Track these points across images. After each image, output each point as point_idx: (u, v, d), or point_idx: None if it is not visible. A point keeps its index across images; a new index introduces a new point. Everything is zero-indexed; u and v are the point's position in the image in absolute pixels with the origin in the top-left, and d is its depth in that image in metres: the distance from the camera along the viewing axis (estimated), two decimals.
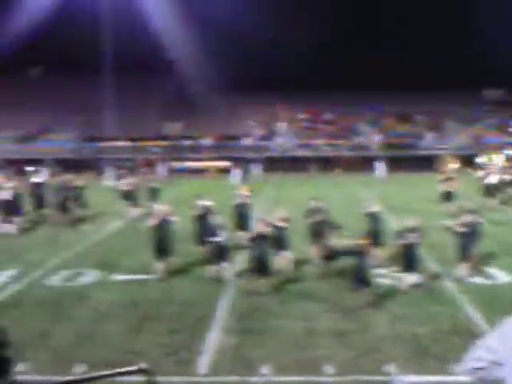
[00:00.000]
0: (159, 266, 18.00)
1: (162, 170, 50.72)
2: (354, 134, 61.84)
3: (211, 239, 17.71)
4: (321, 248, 18.15)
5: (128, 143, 58.84)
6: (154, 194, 30.60)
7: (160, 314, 14.93)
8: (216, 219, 18.19)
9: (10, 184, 27.70)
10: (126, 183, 30.30)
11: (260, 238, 16.33)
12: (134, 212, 28.97)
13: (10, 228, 25.89)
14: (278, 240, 17.60)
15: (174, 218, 18.77)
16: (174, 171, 52.23)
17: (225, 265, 17.58)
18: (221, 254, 17.47)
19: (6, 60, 60.10)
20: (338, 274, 17.71)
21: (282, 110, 63.95)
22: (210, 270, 17.87)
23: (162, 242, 17.85)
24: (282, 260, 17.91)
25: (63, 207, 28.04)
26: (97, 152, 57.99)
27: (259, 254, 16.22)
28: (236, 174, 47.68)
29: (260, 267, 16.23)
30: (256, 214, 24.30)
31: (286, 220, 18.22)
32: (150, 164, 52.71)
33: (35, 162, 49.37)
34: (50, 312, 15.20)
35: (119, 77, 60.09)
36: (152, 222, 18.09)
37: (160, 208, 19.23)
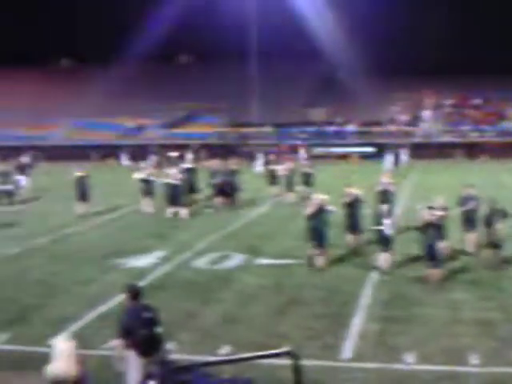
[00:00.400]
0: (311, 252, 18.00)
1: (304, 155, 50.74)
2: (502, 119, 59.32)
3: (374, 227, 17.71)
4: (487, 235, 17.56)
5: (273, 129, 59.34)
6: (307, 179, 30.27)
7: (305, 299, 15.08)
8: (381, 208, 17.96)
9: (174, 170, 28.25)
10: (278, 168, 30.59)
11: (429, 227, 16.08)
12: (287, 197, 29.34)
13: (183, 213, 26.29)
14: (438, 229, 17.18)
15: (331, 208, 18.54)
16: (316, 157, 52.06)
17: (386, 253, 17.43)
18: (384, 242, 17.35)
19: (157, 49, 62.20)
20: (499, 263, 17.18)
21: (428, 95, 62.39)
22: (376, 258, 17.71)
23: (317, 231, 17.79)
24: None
25: (219, 192, 28.64)
26: (242, 138, 58.92)
27: (430, 243, 15.96)
28: (389, 160, 46.84)
29: (431, 257, 15.97)
30: (400, 200, 23.92)
31: (444, 208, 17.86)
32: (293, 150, 52.92)
33: (182, 148, 50.78)
34: (197, 294, 15.70)
35: (265, 64, 60.75)
36: (309, 210, 18.06)
37: (318, 196, 19.22)
